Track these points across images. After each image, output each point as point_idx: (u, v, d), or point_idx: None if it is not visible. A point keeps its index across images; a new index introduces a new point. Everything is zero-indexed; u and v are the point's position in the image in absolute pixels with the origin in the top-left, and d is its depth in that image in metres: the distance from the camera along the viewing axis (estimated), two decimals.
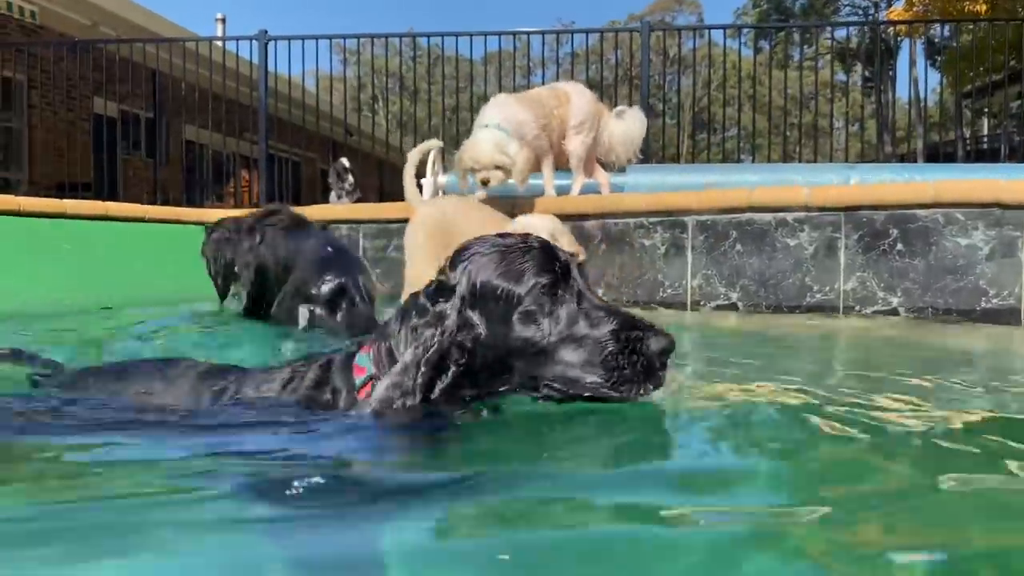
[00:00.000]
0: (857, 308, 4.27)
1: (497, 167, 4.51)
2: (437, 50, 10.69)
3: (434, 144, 4.54)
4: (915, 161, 13.86)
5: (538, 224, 3.36)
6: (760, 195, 4.44)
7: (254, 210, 3.92)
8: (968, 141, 21.58)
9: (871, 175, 6.55)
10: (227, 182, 16.83)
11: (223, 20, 19.46)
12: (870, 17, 32.44)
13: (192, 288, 4.51)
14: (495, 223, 3.83)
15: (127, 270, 4.57)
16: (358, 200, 9.18)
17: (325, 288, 3.16)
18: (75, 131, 12.40)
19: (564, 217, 4.96)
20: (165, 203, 9.79)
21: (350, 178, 8.96)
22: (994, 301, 3.98)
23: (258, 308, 3.47)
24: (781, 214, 4.44)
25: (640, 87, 10.04)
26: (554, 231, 3.38)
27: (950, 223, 4.06)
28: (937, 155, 17.96)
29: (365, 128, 16.72)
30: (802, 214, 4.39)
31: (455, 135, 10.38)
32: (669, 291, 4.68)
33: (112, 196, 9.28)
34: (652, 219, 4.73)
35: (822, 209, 4.34)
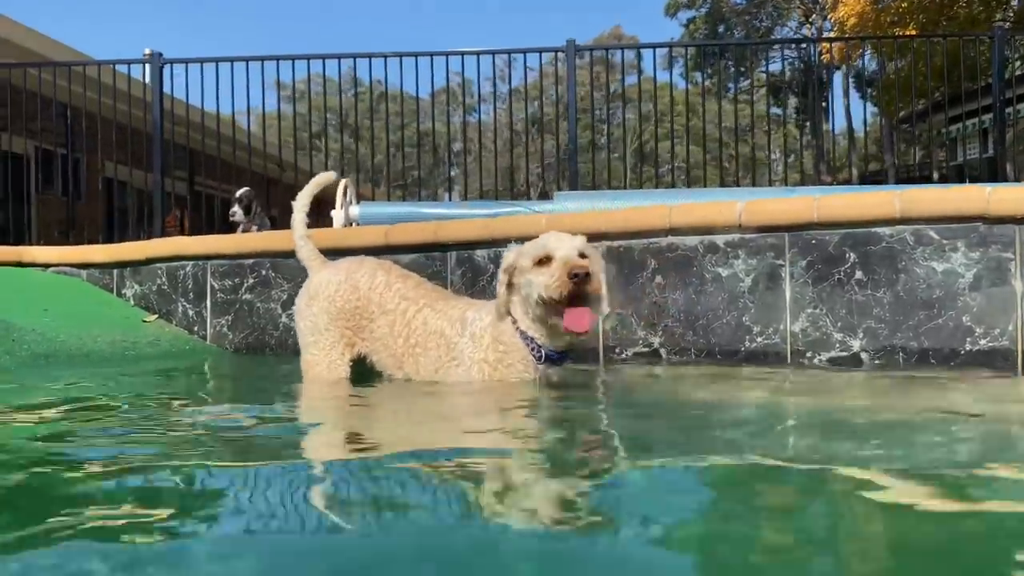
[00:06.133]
0: (808, 354, 3.37)
1: None
2: (380, 87, 9.84)
3: (329, 177, 3.43)
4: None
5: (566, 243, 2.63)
6: (682, 214, 3.52)
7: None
8: (900, 169, 21.44)
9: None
10: (153, 222, 15.74)
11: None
12: (802, 53, 32.62)
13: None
14: (414, 288, 2.95)
15: None
16: (260, 229, 8.08)
17: None
18: None
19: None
20: (80, 243, 8.73)
21: (238, 206, 7.86)
22: (981, 342, 3.11)
23: None
24: (710, 237, 3.53)
25: (568, 110, 9.33)
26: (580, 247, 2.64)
27: (921, 243, 3.20)
28: (871, 183, 17.68)
29: (303, 165, 15.81)
30: (736, 236, 3.49)
31: (400, 170, 9.78)
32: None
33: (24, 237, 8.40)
34: None
35: (761, 230, 3.44)
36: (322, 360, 2.98)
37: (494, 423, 2.17)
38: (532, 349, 2.69)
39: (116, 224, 14.39)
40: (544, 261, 2.58)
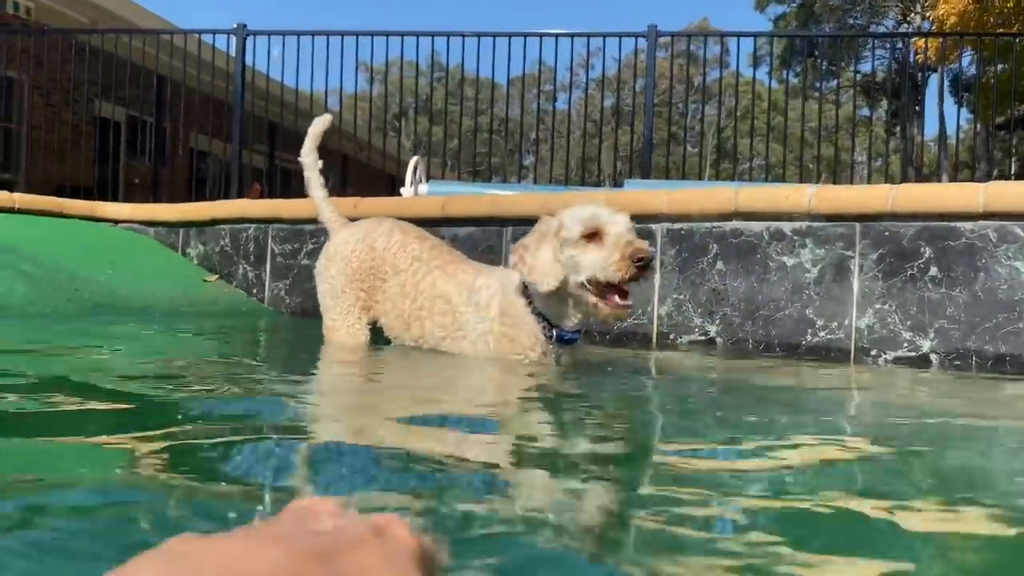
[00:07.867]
0: (873, 352, 3.19)
1: None
2: (462, 72, 9.94)
3: (326, 121, 3.24)
4: None
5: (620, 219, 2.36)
6: (748, 198, 3.37)
7: None
8: (995, 179, 20.44)
9: None
10: (230, 192, 16.33)
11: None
12: (898, 53, 31.34)
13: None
14: (429, 249, 2.83)
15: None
16: None
17: None
18: (78, 134, 11.64)
19: None
20: None
21: None
22: None
23: None
24: (776, 224, 3.37)
25: (646, 98, 9.18)
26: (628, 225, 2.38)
27: (1005, 241, 2.98)
28: None
29: (378, 144, 16.14)
30: (804, 224, 3.33)
31: (472, 155, 9.88)
32: (630, 320, 3.61)
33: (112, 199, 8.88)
34: None
35: (831, 218, 3.27)
36: (341, 325, 2.93)
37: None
38: (544, 327, 2.50)
39: (196, 193, 14.91)
40: (594, 236, 2.31)
